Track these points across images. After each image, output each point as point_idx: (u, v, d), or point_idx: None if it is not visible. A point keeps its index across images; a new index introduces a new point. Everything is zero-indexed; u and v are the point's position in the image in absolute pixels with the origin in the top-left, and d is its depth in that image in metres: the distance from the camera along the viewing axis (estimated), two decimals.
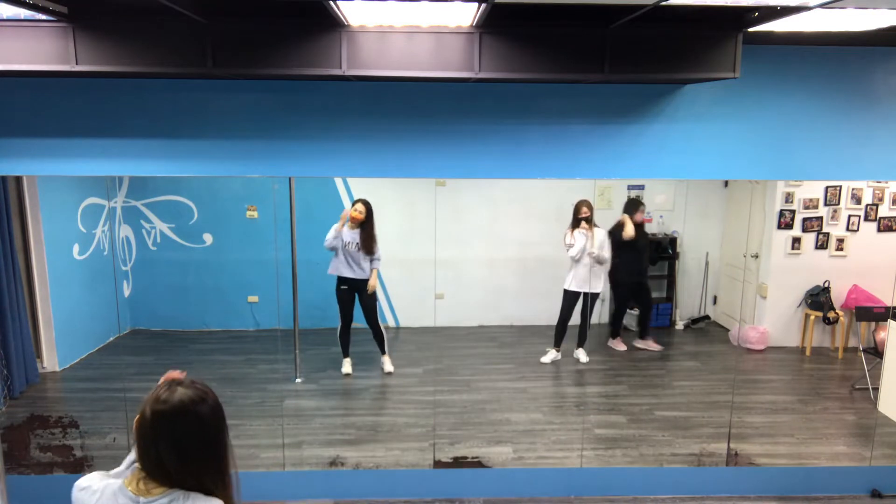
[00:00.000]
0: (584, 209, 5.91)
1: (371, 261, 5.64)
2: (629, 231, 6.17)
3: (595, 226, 5.96)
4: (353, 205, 5.58)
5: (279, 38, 2.79)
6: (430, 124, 3.40)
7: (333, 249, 5.61)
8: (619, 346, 6.51)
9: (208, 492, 1.48)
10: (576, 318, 6.13)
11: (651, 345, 6.53)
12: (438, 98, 3.37)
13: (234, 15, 2.76)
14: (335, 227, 5.56)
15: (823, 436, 4.69)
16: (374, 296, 5.74)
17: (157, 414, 1.44)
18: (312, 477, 4.05)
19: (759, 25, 2.76)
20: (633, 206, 6.40)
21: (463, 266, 7.06)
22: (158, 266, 6.94)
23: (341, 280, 5.63)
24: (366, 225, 5.55)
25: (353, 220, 5.53)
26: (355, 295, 5.69)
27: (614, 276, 6.32)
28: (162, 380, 1.57)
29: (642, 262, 6.55)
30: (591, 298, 6.09)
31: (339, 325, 5.84)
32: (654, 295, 7.30)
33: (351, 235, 5.55)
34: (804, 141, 3.48)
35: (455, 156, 3.44)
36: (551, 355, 6.16)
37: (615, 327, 6.61)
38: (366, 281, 5.63)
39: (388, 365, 5.87)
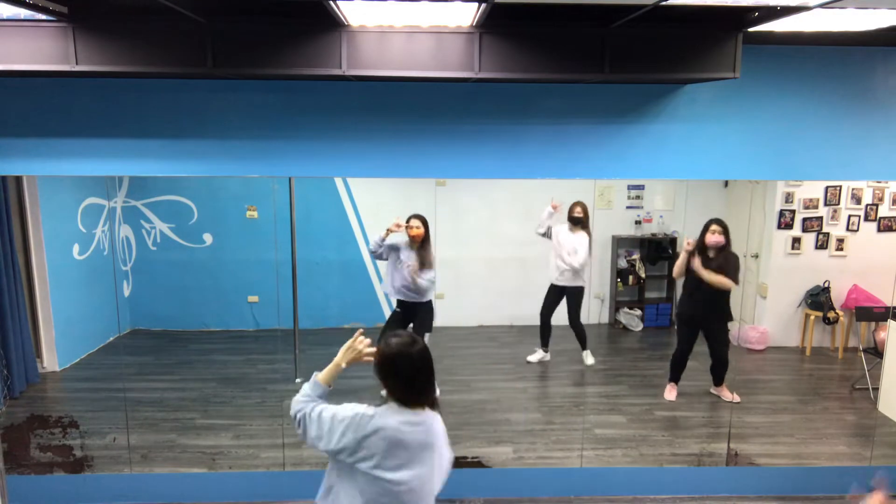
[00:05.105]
0: (578, 209, 5.74)
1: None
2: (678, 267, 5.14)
3: (585, 227, 5.71)
4: (407, 221, 4.96)
5: (279, 38, 2.79)
6: (430, 124, 3.40)
7: (378, 256, 5.07)
8: (670, 394, 5.34)
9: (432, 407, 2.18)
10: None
11: (725, 393, 5.29)
12: (438, 98, 3.37)
13: (234, 15, 2.77)
14: (381, 234, 4.95)
15: (823, 436, 4.69)
16: (430, 319, 5.19)
17: (407, 356, 2.16)
18: (312, 477, 4.02)
19: (759, 25, 2.76)
20: (706, 225, 5.11)
21: (463, 266, 7.05)
22: (158, 266, 6.94)
23: (398, 303, 5.16)
24: (425, 242, 4.99)
25: (413, 238, 4.97)
26: (407, 319, 5.12)
27: (679, 309, 5.31)
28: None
29: (711, 294, 5.03)
30: (568, 294, 5.83)
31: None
32: (654, 295, 7.28)
33: (408, 255, 5.01)
34: (804, 141, 3.48)
35: (455, 156, 3.44)
36: (538, 355, 6.11)
37: (673, 372, 5.37)
38: (422, 304, 5.11)
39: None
